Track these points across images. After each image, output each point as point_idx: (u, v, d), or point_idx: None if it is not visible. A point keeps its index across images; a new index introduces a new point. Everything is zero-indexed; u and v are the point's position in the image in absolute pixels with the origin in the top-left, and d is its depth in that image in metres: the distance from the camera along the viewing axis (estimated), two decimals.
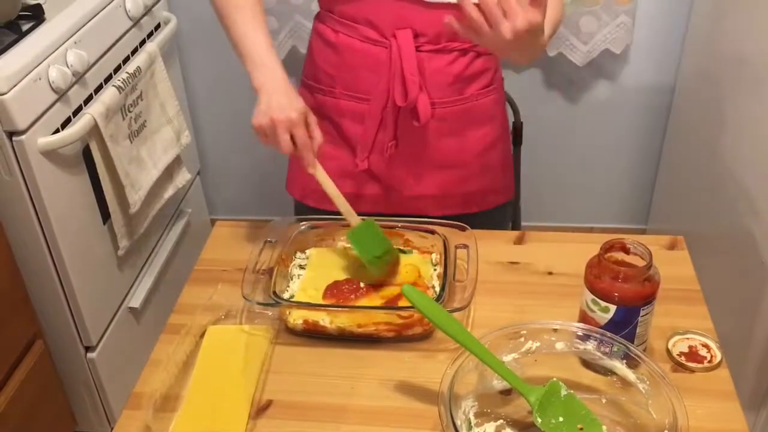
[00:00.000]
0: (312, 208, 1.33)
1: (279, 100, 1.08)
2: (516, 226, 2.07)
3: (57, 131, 1.52)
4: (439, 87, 1.21)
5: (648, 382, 0.90)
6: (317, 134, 1.11)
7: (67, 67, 1.53)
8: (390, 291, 1.12)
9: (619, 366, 0.93)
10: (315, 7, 1.29)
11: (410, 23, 1.17)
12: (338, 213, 1.15)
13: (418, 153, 1.26)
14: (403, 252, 1.21)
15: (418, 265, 1.16)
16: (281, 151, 1.09)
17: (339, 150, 1.28)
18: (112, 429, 1.84)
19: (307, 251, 1.21)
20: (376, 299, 1.11)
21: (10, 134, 1.42)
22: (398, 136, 1.23)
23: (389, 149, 1.23)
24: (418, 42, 1.18)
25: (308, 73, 1.31)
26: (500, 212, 1.39)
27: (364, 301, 1.10)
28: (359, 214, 1.21)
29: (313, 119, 1.12)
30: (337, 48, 1.22)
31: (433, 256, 1.19)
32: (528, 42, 0.99)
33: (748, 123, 1.68)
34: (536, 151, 2.30)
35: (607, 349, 0.94)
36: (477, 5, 0.95)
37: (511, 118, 1.98)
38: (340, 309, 1.08)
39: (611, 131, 2.37)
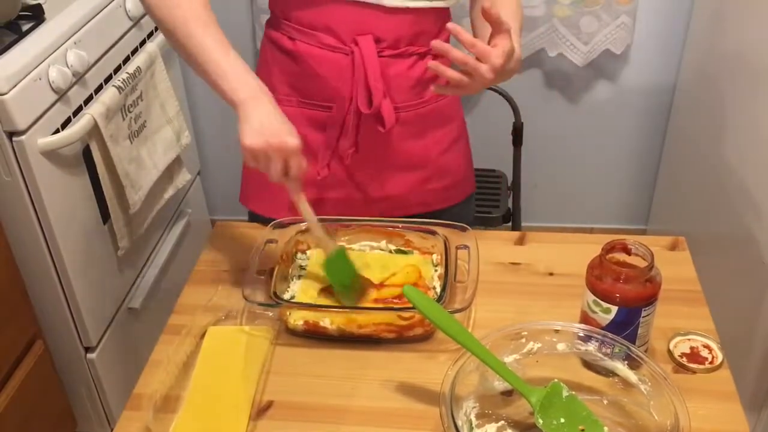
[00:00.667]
0: (267, 219, 1.30)
1: (273, 122, 1.01)
2: (516, 226, 2.07)
3: (57, 131, 1.51)
4: (401, 91, 1.20)
5: (650, 383, 0.90)
6: (304, 162, 1.04)
7: (67, 67, 1.53)
8: (390, 291, 1.12)
9: (621, 367, 0.93)
10: None
11: (370, 29, 1.15)
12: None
13: (381, 157, 1.25)
14: (403, 252, 1.21)
15: (419, 265, 1.16)
16: (270, 178, 1.03)
17: None
18: (111, 429, 1.84)
19: (308, 252, 1.21)
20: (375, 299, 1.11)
21: (10, 134, 1.42)
22: (361, 142, 1.22)
23: (349, 156, 1.22)
24: (379, 47, 1.16)
25: (263, 82, 1.28)
26: (462, 207, 1.38)
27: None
28: (321, 220, 1.19)
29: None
30: (295, 56, 1.19)
31: (434, 256, 1.19)
32: (507, 68, 1.04)
33: (748, 123, 1.68)
34: (536, 152, 2.31)
35: (609, 350, 0.94)
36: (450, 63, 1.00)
37: (511, 119, 1.99)
38: (341, 310, 1.08)
39: (611, 131, 2.37)
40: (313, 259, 1.20)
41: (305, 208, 1.09)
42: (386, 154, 1.25)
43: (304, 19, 1.17)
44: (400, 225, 1.21)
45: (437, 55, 1.05)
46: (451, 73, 1.03)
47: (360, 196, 1.29)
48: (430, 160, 1.29)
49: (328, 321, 1.07)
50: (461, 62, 1.01)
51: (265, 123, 1.01)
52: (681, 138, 2.20)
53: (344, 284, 1.11)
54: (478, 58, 1.02)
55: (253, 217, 1.36)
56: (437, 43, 1.03)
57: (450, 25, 1.04)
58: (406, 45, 1.18)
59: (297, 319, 1.08)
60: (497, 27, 1.03)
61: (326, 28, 1.16)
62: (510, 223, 2.05)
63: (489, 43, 1.04)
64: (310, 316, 1.08)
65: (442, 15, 1.21)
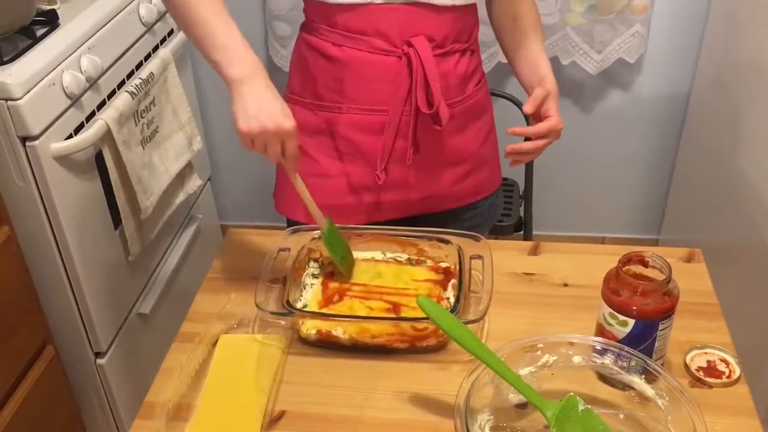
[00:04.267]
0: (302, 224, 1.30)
1: (270, 104, 1.02)
2: (528, 235, 2.06)
3: (70, 137, 1.51)
4: (450, 88, 1.22)
5: (667, 398, 0.89)
6: (297, 141, 1.07)
7: (81, 72, 1.53)
8: (397, 299, 1.12)
9: (638, 381, 0.92)
10: None
11: (420, 29, 1.16)
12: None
13: (434, 154, 1.27)
14: (410, 263, 1.20)
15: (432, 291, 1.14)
16: (269, 159, 1.06)
17: (353, 164, 1.26)
18: None
19: (321, 260, 1.20)
20: (381, 306, 1.10)
21: (24, 139, 1.42)
22: (419, 142, 1.24)
23: (410, 157, 1.23)
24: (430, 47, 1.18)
25: (304, 90, 1.25)
26: (496, 197, 1.43)
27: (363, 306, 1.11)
28: (375, 224, 1.23)
29: None
30: (342, 62, 1.19)
31: (444, 265, 1.18)
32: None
33: (763, 132, 1.67)
34: (548, 160, 2.28)
35: (625, 364, 0.93)
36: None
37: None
38: (354, 320, 1.07)
39: (624, 140, 2.35)
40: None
41: (301, 186, 1.11)
42: (440, 151, 1.27)
43: (352, 25, 1.16)
44: (414, 234, 1.20)
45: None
46: (529, 147, 1.18)
47: (416, 195, 1.30)
48: (472, 152, 1.31)
49: (341, 330, 1.06)
50: (537, 133, 1.17)
51: (262, 105, 1.02)
52: (695, 147, 2.18)
53: (343, 256, 1.15)
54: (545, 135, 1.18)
55: (292, 225, 1.35)
56: (516, 129, 1.16)
57: (511, 129, 1.16)
58: (452, 43, 1.20)
59: (310, 328, 1.07)
60: (544, 101, 1.18)
61: (377, 32, 1.16)
62: (521, 232, 2.04)
63: (540, 108, 1.19)
64: (323, 325, 1.07)
65: (475, 11, 1.25)
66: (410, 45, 1.16)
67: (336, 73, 1.20)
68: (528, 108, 1.17)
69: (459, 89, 1.24)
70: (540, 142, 1.18)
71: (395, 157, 1.23)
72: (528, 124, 1.25)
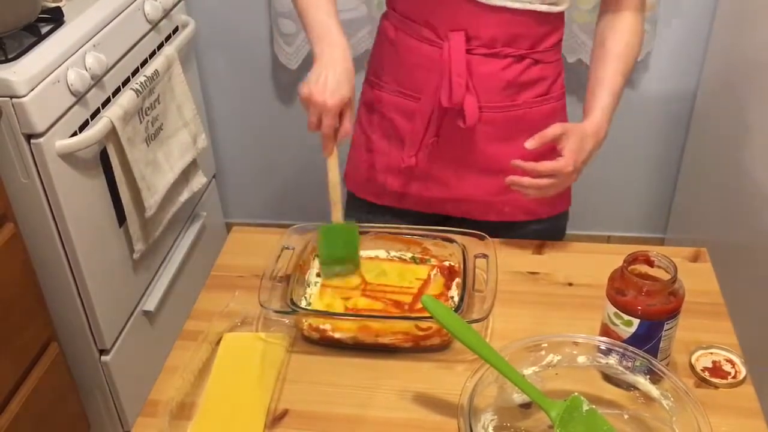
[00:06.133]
0: (364, 201, 1.36)
1: (327, 79, 1.08)
2: None
3: (75, 134, 1.52)
4: (490, 91, 1.21)
5: (672, 398, 0.88)
6: (346, 127, 1.11)
7: (86, 69, 1.53)
8: (401, 298, 1.11)
9: (642, 381, 0.91)
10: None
11: (466, 25, 1.18)
12: (388, 211, 1.25)
13: (464, 155, 1.26)
14: (414, 261, 1.19)
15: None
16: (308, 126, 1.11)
17: (390, 146, 1.30)
18: None
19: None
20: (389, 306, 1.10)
21: (28, 137, 1.42)
22: (443, 136, 1.25)
23: (430, 145, 1.25)
24: (471, 45, 1.18)
25: (371, 69, 1.34)
26: (550, 224, 1.37)
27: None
28: (403, 211, 1.26)
29: (351, 111, 1.12)
30: (395, 45, 1.25)
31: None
32: (584, 147, 1.16)
33: None
34: None
35: (630, 364, 0.92)
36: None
37: None
38: (357, 318, 1.07)
39: (630, 138, 2.34)
40: None
41: (332, 166, 1.13)
42: (469, 154, 1.26)
43: (407, 11, 1.22)
44: (417, 232, 1.20)
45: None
46: (528, 182, 1.13)
47: (440, 194, 1.31)
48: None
49: (344, 329, 1.06)
50: (537, 172, 1.12)
51: (321, 79, 1.08)
52: (701, 146, 2.17)
53: (334, 258, 1.12)
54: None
55: (352, 199, 1.38)
56: (517, 162, 1.12)
57: (514, 161, 1.12)
58: (502, 46, 1.19)
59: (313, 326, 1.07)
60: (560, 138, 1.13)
61: (425, 22, 1.20)
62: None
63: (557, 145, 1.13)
64: (327, 323, 1.07)
65: (548, 20, 1.19)
66: (449, 38, 1.18)
67: (390, 56, 1.26)
68: (529, 143, 1.11)
69: (504, 95, 1.22)
70: (542, 182, 1.12)
71: (425, 147, 1.26)
72: None
